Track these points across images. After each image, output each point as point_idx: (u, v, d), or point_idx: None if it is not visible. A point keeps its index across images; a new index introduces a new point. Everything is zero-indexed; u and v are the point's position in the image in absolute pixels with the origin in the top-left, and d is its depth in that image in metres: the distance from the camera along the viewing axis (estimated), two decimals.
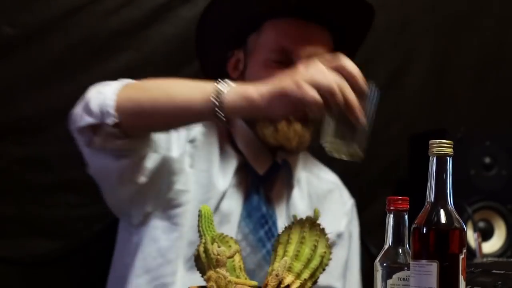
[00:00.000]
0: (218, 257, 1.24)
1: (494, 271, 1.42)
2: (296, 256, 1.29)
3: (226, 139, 1.81)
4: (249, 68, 1.79)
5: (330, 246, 1.33)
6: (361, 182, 2.24)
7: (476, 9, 2.60)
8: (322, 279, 1.31)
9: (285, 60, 1.72)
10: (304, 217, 1.34)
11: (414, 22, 2.52)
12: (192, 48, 1.89)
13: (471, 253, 1.98)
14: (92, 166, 1.66)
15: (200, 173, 1.75)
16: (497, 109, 2.59)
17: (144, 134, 1.61)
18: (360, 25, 1.87)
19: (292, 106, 1.41)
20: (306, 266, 1.29)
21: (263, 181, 1.81)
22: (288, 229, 1.34)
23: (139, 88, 1.58)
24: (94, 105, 1.53)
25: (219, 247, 1.27)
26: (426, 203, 1.14)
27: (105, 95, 1.53)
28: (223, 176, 1.77)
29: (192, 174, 1.74)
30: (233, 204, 1.76)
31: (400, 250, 1.22)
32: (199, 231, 1.34)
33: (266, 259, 1.72)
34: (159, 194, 1.70)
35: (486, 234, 2.22)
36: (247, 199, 1.78)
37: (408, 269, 1.16)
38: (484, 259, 1.97)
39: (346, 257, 1.92)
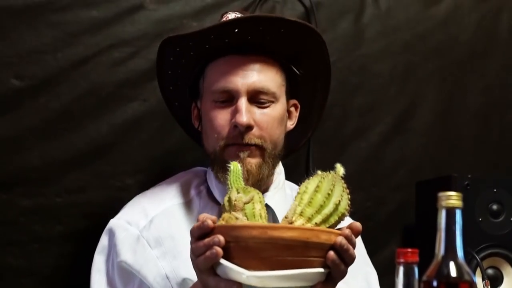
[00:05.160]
0: (235, 202, 1.35)
1: None
2: (309, 203, 1.36)
3: (206, 193, 1.79)
4: (202, 114, 1.79)
5: (348, 195, 1.39)
6: (368, 228, 2.23)
7: (480, 53, 2.61)
8: None
9: (229, 99, 1.72)
10: None
11: (418, 67, 2.52)
12: None
13: None
14: None
15: (173, 260, 1.70)
16: (504, 155, 2.59)
17: None
18: (301, 47, 1.80)
19: None
20: (318, 211, 1.35)
21: None
22: (307, 180, 1.41)
23: None
24: None
25: (238, 193, 1.38)
26: (435, 256, 1.14)
27: None
28: None
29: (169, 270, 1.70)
30: None
31: None
32: (228, 185, 1.43)
33: None
34: None
35: (495, 281, 2.20)
36: None
37: None
38: None
39: None
